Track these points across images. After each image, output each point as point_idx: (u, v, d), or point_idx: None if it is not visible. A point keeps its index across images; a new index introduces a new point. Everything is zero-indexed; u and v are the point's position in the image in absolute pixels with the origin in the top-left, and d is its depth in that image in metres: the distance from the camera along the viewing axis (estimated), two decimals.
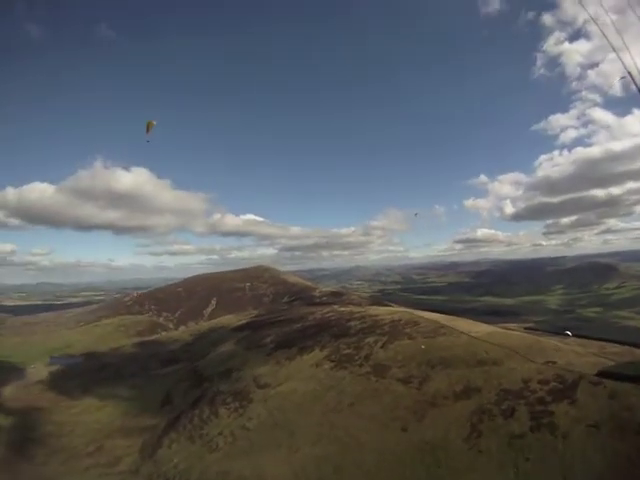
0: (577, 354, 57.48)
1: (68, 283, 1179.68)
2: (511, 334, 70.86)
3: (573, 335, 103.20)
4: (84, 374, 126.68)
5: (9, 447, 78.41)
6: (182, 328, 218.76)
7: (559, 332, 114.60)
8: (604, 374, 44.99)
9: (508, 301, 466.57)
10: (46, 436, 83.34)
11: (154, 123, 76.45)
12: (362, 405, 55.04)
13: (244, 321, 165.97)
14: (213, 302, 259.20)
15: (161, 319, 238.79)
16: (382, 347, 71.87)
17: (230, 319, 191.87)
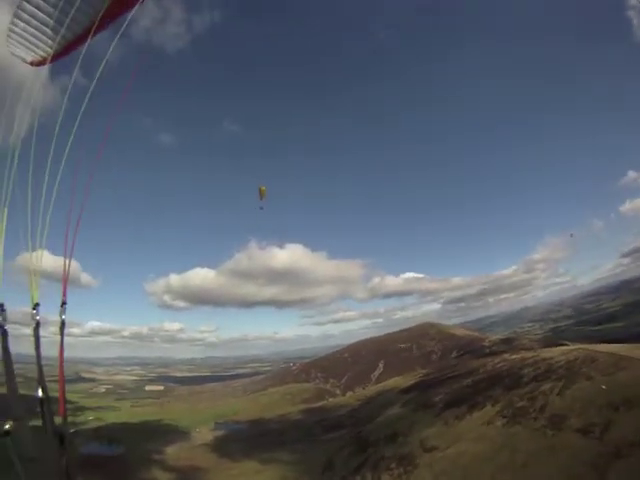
0: None
1: (234, 355, 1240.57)
2: None
3: None
4: (247, 439, 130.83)
5: None
6: (349, 394, 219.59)
7: None
8: None
9: None
10: None
11: (264, 188, 78.59)
12: (537, 463, 50.03)
13: (412, 382, 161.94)
14: (380, 365, 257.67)
15: (328, 386, 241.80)
16: (558, 394, 65.34)
17: (397, 381, 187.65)
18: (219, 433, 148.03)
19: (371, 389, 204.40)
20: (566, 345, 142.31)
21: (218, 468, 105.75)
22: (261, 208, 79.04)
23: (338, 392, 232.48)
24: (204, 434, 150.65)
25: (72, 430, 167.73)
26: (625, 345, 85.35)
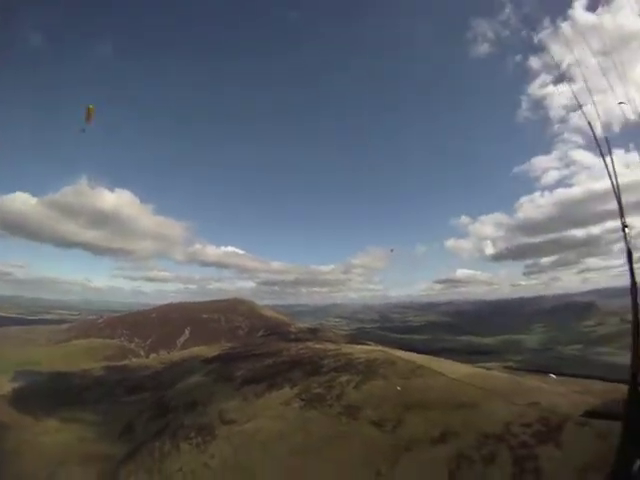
0: (561, 395, 53.95)
1: (44, 298, 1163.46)
2: (491, 375, 67.67)
3: (555, 374, 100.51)
4: (48, 394, 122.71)
5: None
6: (153, 356, 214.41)
7: (540, 370, 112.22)
8: (590, 414, 41.75)
9: (488, 340, 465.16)
10: (4, 453, 79.70)
11: (93, 108, 70.65)
12: (331, 448, 51.06)
13: (216, 353, 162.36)
14: (187, 332, 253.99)
15: (132, 345, 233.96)
16: (355, 387, 67.72)
17: (202, 350, 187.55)
18: (19, 384, 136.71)
19: (175, 354, 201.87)
20: (368, 345, 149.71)
21: (18, 425, 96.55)
22: (83, 130, 70.60)
23: (142, 353, 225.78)
24: (3, 384, 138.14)
25: None
26: (423, 356, 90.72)
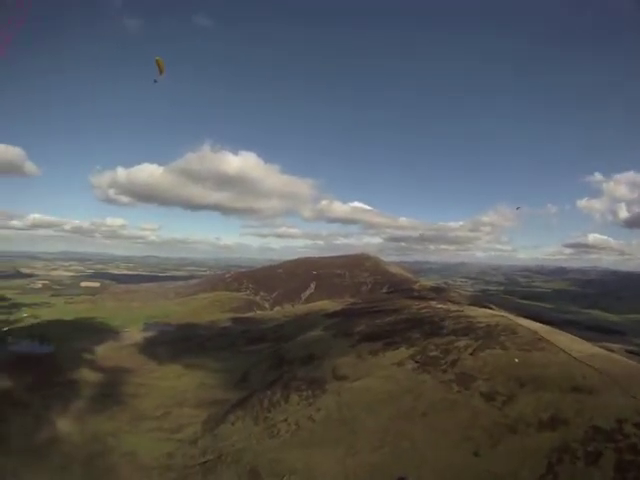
0: None
1: (175, 257, 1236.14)
2: (613, 359, 62.57)
3: None
4: (174, 342, 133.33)
5: (89, 400, 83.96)
6: (277, 309, 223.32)
7: None
8: None
9: (614, 317, 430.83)
10: (124, 395, 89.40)
11: (161, 61, 72.31)
12: (436, 416, 51.38)
13: (338, 308, 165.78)
14: (312, 286, 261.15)
15: (258, 298, 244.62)
16: (472, 354, 66.80)
17: (325, 304, 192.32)
18: (148, 334, 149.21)
19: (299, 308, 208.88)
20: (491, 309, 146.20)
21: (142, 369, 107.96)
22: (155, 81, 73.63)
23: (267, 306, 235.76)
24: (133, 334, 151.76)
25: (5, 329, 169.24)
26: (547, 327, 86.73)
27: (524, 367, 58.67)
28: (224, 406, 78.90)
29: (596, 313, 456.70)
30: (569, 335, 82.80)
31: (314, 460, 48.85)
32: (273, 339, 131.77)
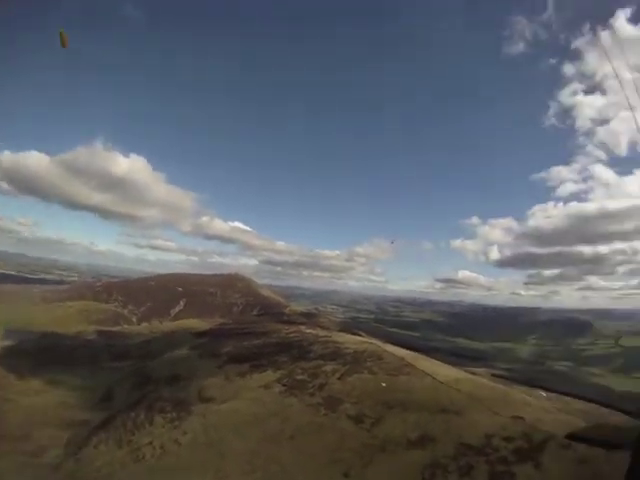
0: (546, 411, 53.15)
1: (47, 258, 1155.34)
2: (478, 382, 65.98)
3: (543, 389, 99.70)
4: (35, 354, 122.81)
5: None
6: (144, 324, 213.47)
7: (528, 383, 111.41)
8: (574, 437, 40.58)
9: (479, 345, 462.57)
10: None
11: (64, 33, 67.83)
12: (305, 439, 49.75)
13: (207, 327, 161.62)
14: (182, 303, 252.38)
15: (125, 311, 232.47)
16: (339, 378, 66.66)
17: (194, 323, 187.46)
18: (8, 343, 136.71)
19: (167, 324, 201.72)
20: (360, 336, 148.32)
21: (3, 384, 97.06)
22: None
23: (134, 320, 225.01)
24: None
25: None
26: (413, 353, 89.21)
27: (391, 391, 59.19)
28: (87, 427, 72.66)
29: (461, 341, 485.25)
30: (435, 361, 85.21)
31: None
32: (138, 356, 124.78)
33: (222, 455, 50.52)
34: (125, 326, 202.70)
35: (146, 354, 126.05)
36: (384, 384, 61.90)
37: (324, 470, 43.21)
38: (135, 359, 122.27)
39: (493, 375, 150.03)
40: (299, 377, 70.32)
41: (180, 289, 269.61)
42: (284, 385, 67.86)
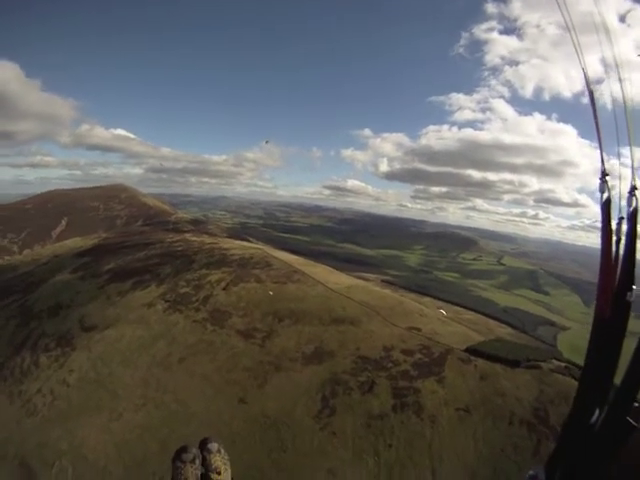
0: (442, 322, 52.80)
1: None
2: (372, 290, 64.85)
3: (430, 295, 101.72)
4: None
5: None
6: (27, 252, 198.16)
7: (419, 291, 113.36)
8: (473, 351, 40.31)
9: (368, 252, 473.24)
10: None
11: None
12: (194, 361, 47.05)
13: (90, 245, 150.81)
14: (63, 222, 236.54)
15: (5, 241, 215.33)
16: (224, 289, 63.79)
17: (77, 242, 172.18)
18: None
19: (49, 248, 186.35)
20: (249, 241, 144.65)
21: None
22: None
23: (15, 249, 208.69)
24: None
25: None
26: (302, 259, 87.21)
27: (280, 300, 57.08)
28: None
29: (351, 247, 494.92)
30: (325, 267, 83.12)
31: (78, 435, 41.98)
32: (21, 290, 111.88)
33: (112, 391, 47.37)
34: (6, 258, 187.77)
35: (29, 286, 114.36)
36: (271, 292, 59.73)
37: (218, 396, 41.02)
38: (19, 294, 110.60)
39: (384, 282, 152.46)
40: (182, 290, 66.69)
41: (60, 208, 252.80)
42: (167, 301, 63.94)
